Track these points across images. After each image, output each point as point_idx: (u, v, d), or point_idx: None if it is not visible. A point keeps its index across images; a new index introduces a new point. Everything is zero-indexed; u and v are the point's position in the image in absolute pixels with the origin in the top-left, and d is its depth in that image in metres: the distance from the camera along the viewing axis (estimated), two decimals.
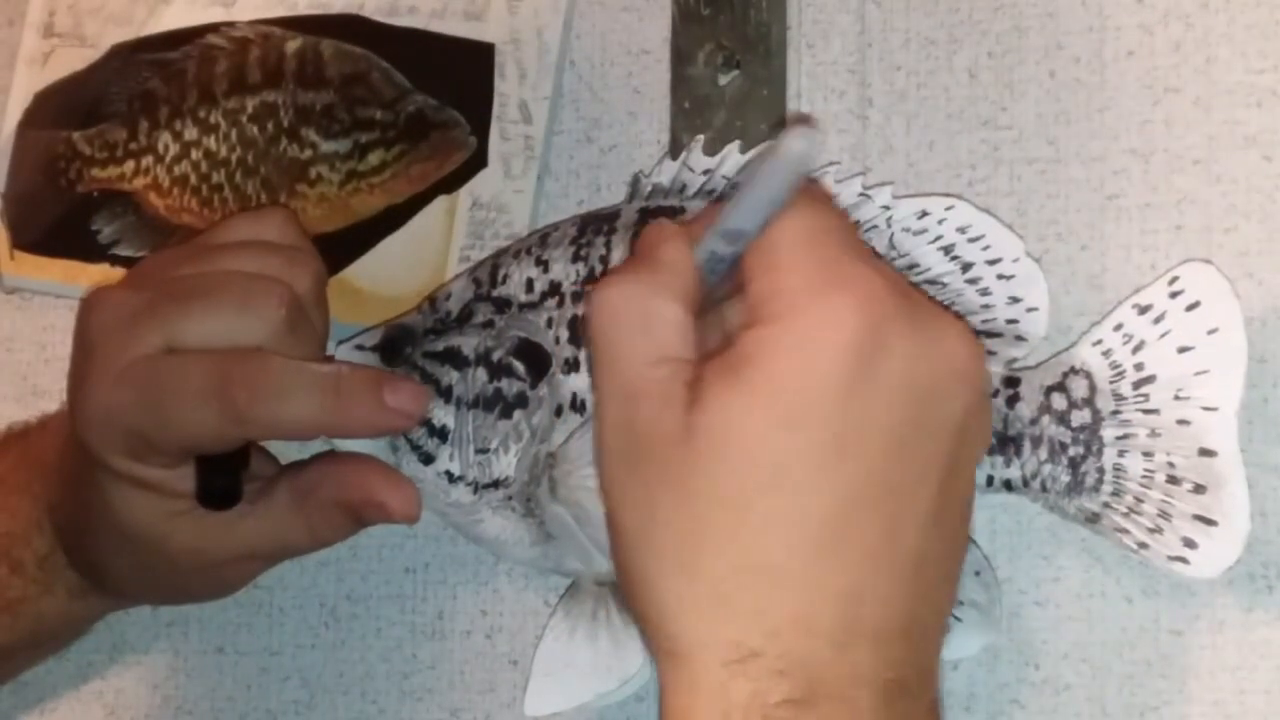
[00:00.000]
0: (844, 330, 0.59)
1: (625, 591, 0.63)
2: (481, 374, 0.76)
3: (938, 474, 0.61)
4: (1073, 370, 0.71)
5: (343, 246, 0.86)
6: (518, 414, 0.75)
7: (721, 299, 0.65)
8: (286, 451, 0.80)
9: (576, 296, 0.75)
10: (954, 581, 0.64)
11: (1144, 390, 0.70)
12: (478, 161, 0.85)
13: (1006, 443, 0.71)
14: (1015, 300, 0.72)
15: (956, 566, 0.64)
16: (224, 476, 0.74)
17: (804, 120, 0.60)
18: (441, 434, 0.76)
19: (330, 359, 0.76)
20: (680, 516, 0.60)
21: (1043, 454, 0.71)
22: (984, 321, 0.73)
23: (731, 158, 0.76)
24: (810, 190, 0.63)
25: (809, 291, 0.60)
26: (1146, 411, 0.70)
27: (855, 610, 0.59)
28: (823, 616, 0.59)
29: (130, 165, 0.90)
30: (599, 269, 0.75)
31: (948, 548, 0.63)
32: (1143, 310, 0.70)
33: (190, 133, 0.89)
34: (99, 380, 0.72)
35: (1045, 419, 0.71)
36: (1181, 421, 0.69)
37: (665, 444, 0.61)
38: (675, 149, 0.82)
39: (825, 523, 0.59)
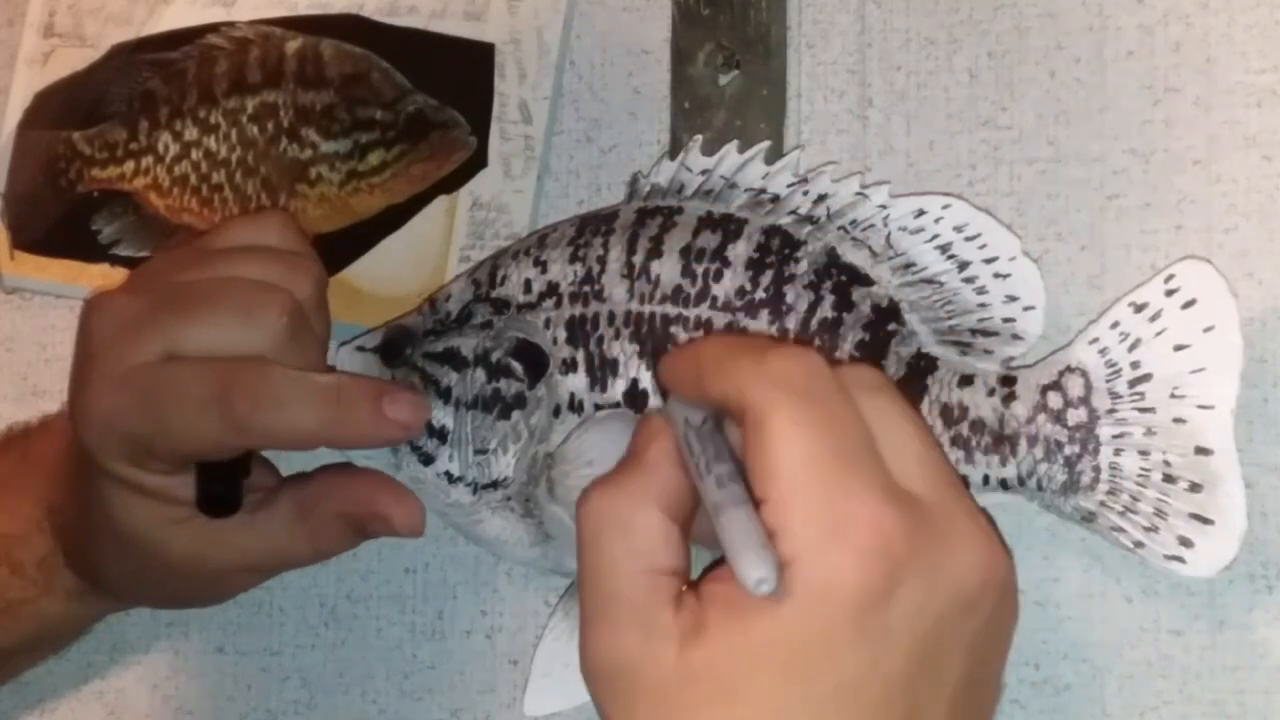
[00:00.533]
0: (846, 590, 0.58)
1: None
2: (480, 375, 0.76)
3: (951, 694, 0.60)
4: (1068, 369, 0.71)
5: (343, 246, 0.86)
6: (516, 414, 0.75)
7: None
8: (289, 456, 0.80)
9: (574, 297, 0.75)
10: None
11: (1140, 388, 0.69)
12: (478, 161, 0.85)
13: (1002, 442, 0.71)
14: (1012, 299, 0.72)
15: None
16: (223, 484, 0.75)
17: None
18: (441, 435, 0.76)
19: (331, 369, 0.76)
20: None
21: (1039, 453, 0.70)
22: (980, 320, 0.72)
23: (730, 158, 0.76)
24: (808, 383, 0.61)
25: (810, 539, 0.59)
26: (1142, 410, 0.69)
27: None
28: None
29: (130, 165, 0.90)
30: (596, 269, 0.75)
31: None
32: (1139, 308, 0.70)
33: (190, 133, 0.89)
34: (99, 386, 0.72)
35: (1041, 418, 0.71)
36: (1177, 420, 0.69)
37: (657, 682, 0.60)
38: (675, 149, 0.82)
39: None
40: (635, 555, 0.61)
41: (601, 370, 0.75)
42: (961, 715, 0.61)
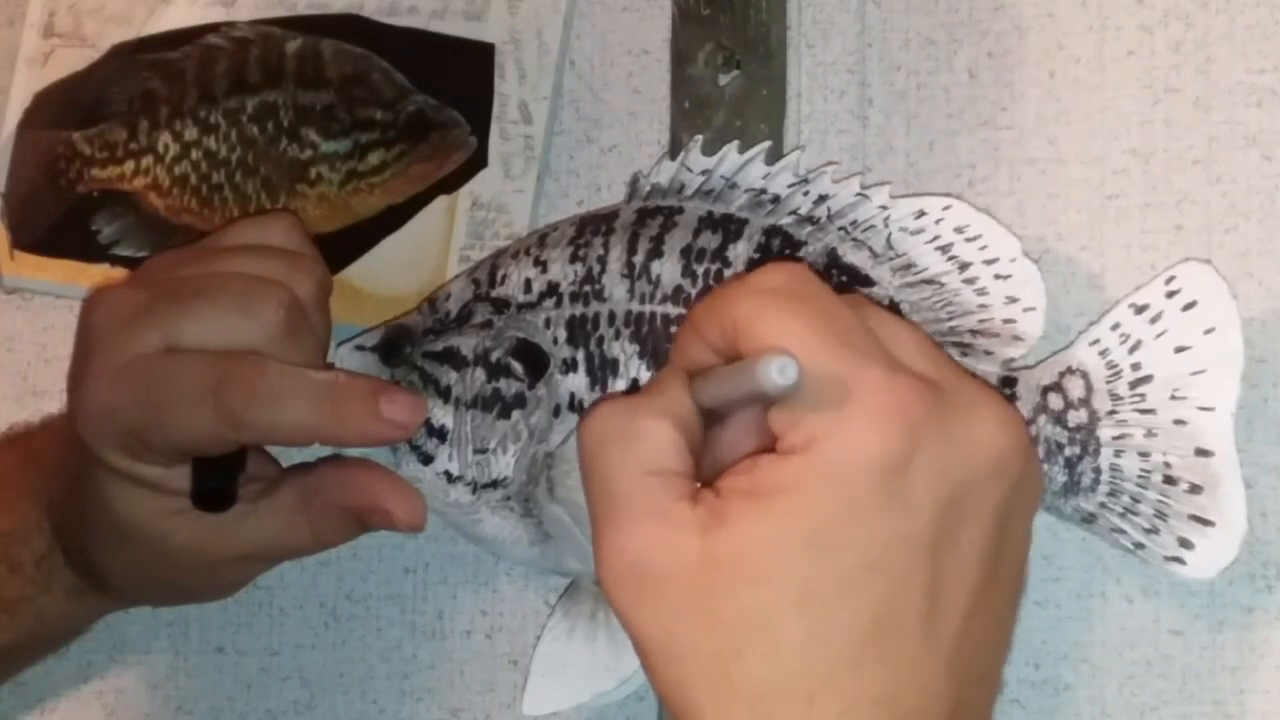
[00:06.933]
0: (866, 456, 0.58)
1: (660, 697, 0.62)
2: (480, 374, 0.76)
3: (978, 563, 0.61)
4: (1069, 370, 0.71)
5: (343, 246, 0.86)
6: (516, 414, 0.75)
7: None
8: (288, 454, 0.80)
9: (574, 297, 0.75)
10: (1002, 652, 0.64)
11: (1141, 390, 0.70)
12: (478, 161, 0.85)
13: None
14: (1012, 300, 0.72)
15: (1004, 638, 0.64)
16: (219, 479, 0.75)
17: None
18: (440, 434, 0.76)
19: (330, 367, 0.76)
20: (705, 640, 0.59)
21: (1039, 454, 0.70)
22: (980, 321, 0.72)
23: (730, 158, 0.76)
24: (795, 285, 0.62)
25: (824, 415, 0.59)
26: (1143, 411, 0.69)
27: (897, 708, 0.59)
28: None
29: (130, 165, 0.90)
30: (597, 269, 0.75)
31: (992, 623, 0.62)
32: (1139, 310, 0.70)
33: (190, 133, 0.89)
34: (97, 378, 0.72)
35: (1042, 419, 0.71)
36: (1178, 421, 0.69)
37: (681, 572, 0.60)
38: (675, 149, 0.82)
39: (858, 634, 0.59)
40: (641, 460, 0.61)
41: (602, 370, 0.75)
42: (986, 592, 0.61)
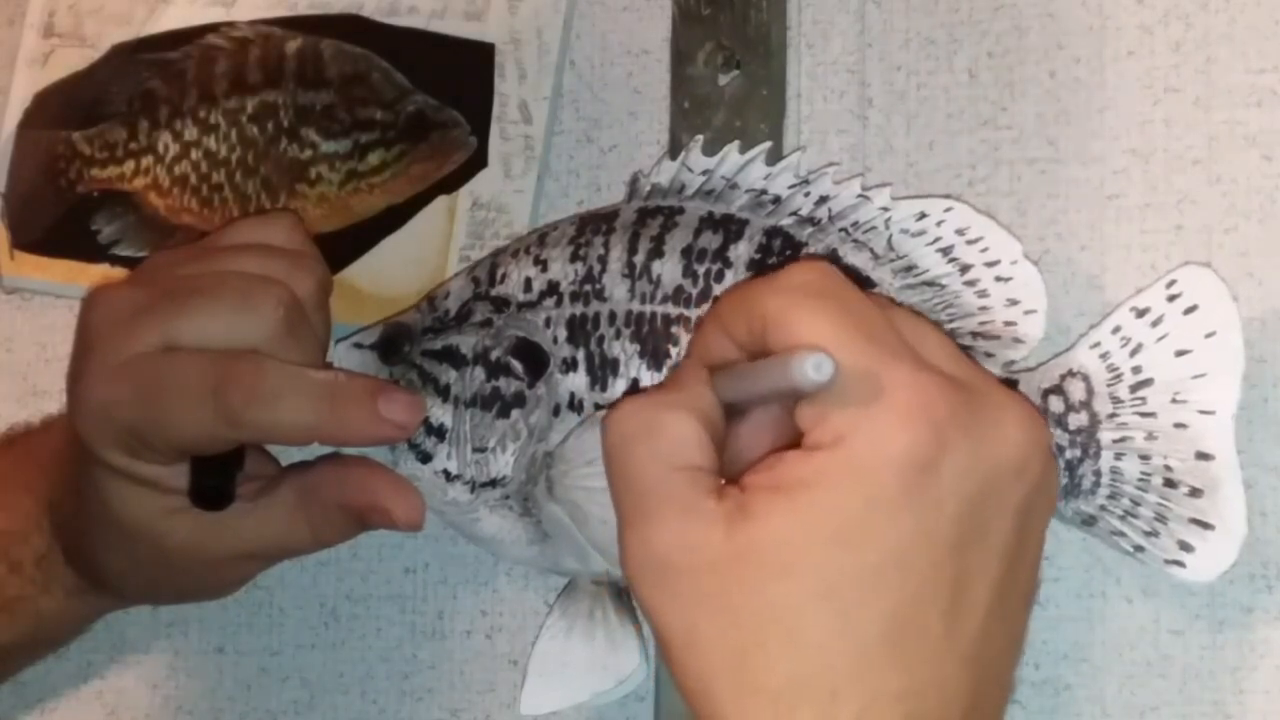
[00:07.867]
0: (893, 453, 0.59)
1: (681, 690, 0.61)
2: (479, 373, 0.76)
3: (999, 562, 0.61)
4: (1070, 373, 0.71)
5: (343, 246, 0.86)
6: (515, 413, 0.75)
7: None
8: (287, 453, 0.80)
9: (574, 296, 0.75)
10: (1016, 654, 0.64)
11: (1141, 393, 0.70)
12: (478, 161, 0.85)
13: None
14: (1013, 302, 0.72)
15: (1018, 639, 0.64)
16: (217, 477, 0.75)
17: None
18: (439, 432, 0.76)
19: (329, 366, 0.76)
20: (728, 632, 0.59)
21: None
22: (981, 324, 0.72)
23: (731, 158, 0.76)
24: (823, 283, 0.63)
25: (853, 410, 0.59)
26: (1144, 415, 0.69)
27: (918, 705, 0.59)
28: (885, 717, 0.59)
29: (130, 165, 0.90)
30: (597, 269, 0.75)
31: (1009, 624, 0.62)
32: (1140, 313, 0.70)
33: (190, 133, 0.89)
34: (96, 375, 0.72)
35: None
36: (1179, 425, 0.69)
37: (705, 565, 0.60)
38: (675, 149, 0.82)
39: (881, 631, 0.59)
40: (666, 455, 0.62)
41: (602, 370, 0.75)
42: (1006, 590, 0.61)
